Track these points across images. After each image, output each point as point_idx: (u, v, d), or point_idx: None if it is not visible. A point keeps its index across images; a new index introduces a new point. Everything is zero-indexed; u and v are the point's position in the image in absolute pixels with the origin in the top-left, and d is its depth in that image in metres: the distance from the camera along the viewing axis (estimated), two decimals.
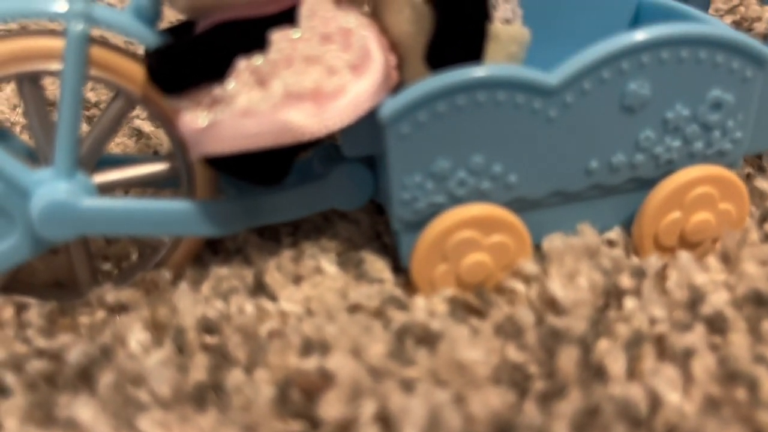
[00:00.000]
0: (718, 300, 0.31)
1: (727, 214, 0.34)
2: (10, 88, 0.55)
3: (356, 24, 0.30)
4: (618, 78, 0.31)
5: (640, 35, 0.31)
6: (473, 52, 0.31)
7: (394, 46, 0.32)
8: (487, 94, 0.30)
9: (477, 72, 0.30)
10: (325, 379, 0.27)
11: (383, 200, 0.35)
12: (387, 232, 0.37)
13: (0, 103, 0.53)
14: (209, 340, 0.31)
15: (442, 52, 0.30)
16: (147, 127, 0.49)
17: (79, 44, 0.29)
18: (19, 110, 0.52)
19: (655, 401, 0.27)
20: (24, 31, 0.31)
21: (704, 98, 0.32)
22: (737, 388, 0.27)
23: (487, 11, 0.31)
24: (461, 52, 0.30)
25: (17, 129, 0.50)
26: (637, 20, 0.40)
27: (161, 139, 0.48)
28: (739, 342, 0.29)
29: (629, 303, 0.31)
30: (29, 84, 0.31)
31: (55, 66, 0.30)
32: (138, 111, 0.49)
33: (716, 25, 0.32)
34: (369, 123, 0.31)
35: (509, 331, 0.30)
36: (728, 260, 0.34)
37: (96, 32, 0.31)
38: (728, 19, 0.65)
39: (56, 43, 0.30)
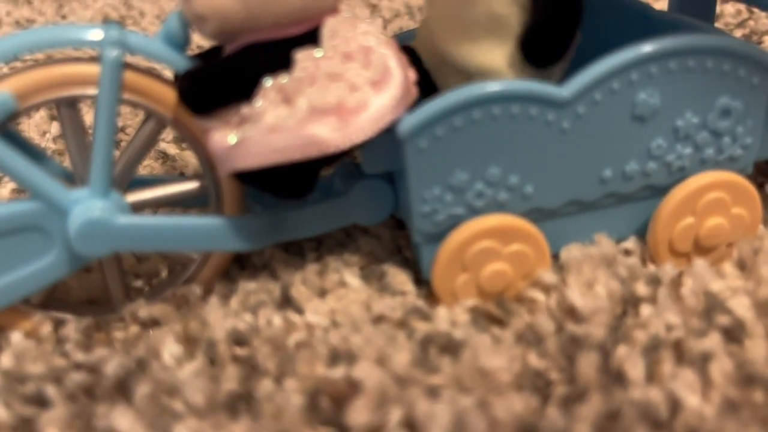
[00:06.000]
0: (736, 306, 0.31)
1: (740, 218, 0.35)
2: (39, 116, 0.56)
3: (376, 43, 0.32)
4: (628, 89, 0.32)
5: (648, 47, 0.32)
6: (565, 47, 0.33)
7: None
8: (501, 107, 0.31)
9: (491, 87, 0.31)
10: (353, 387, 0.28)
11: (403, 215, 0.35)
12: (408, 246, 0.38)
13: (30, 130, 0.55)
14: (239, 351, 0.31)
15: (539, 41, 0.33)
16: (172, 149, 0.51)
17: (113, 70, 0.31)
18: (49, 136, 0.54)
19: (675, 404, 0.27)
20: (62, 58, 0.32)
21: (713, 106, 0.33)
22: (755, 391, 0.27)
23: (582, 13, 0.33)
24: (556, 46, 0.33)
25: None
26: (647, 34, 0.41)
27: (186, 161, 0.50)
28: (755, 346, 0.29)
29: (646, 310, 0.32)
30: (67, 108, 0.32)
31: (91, 91, 0.31)
32: (163, 134, 0.50)
33: (722, 36, 0.33)
34: (388, 140, 0.32)
35: (530, 338, 0.31)
36: (744, 267, 0.34)
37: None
38: (738, 33, 0.65)
39: (92, 69, 0.31)
